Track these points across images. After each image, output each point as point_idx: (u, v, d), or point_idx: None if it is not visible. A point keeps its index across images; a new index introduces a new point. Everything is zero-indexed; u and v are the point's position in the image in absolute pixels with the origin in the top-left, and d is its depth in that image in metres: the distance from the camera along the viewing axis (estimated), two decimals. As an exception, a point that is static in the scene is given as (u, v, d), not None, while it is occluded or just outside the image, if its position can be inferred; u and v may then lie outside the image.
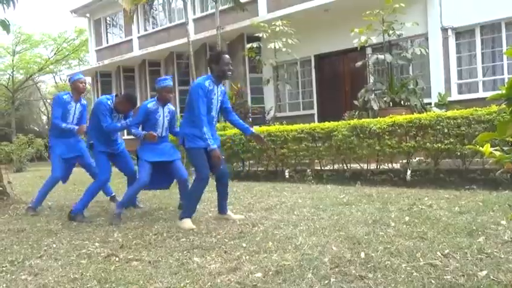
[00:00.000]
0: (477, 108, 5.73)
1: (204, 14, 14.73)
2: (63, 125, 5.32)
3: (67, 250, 3.54)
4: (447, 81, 9.43)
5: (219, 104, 4.32)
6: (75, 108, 5.46)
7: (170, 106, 4.99)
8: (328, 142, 6.87)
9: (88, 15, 19.11)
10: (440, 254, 2.83)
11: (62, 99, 5.42)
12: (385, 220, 3.88)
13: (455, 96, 9.32)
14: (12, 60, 23.73)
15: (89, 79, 20.19)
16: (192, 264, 2.97)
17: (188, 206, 4.29)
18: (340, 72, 11.63)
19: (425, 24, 9.51)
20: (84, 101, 5.65)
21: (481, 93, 9.01)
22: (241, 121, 4.56)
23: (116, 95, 5.14)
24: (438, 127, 5.83)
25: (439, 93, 9.07)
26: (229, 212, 4.47)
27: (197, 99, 4.09)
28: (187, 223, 4.12)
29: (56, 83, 28.57)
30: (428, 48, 9.14)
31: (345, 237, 3.37)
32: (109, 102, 4.97)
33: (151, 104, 4.80)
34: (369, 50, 10.12)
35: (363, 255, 2.91)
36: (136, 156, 4.84)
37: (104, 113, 4.86)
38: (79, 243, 3.74)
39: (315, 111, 11.77)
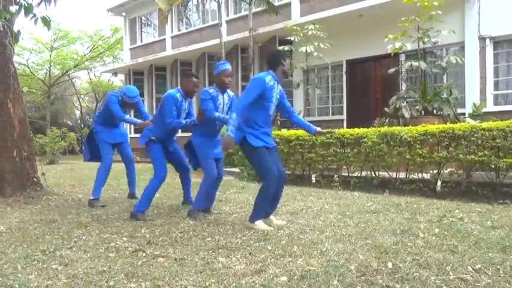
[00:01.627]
0: (514, 121, 5.56)
1: (237, 15, 14.83)
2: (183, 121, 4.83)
3: (96, 243, 3.62)
4: (482, 91, 9.17)
5: (277, 102, 4.18)
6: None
7: (230, 92, 4.74)
8: (357, 148, 6.79)
9: (124, 14, 19.53)
10: (471, 269, 2.75)
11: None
12: (413, 231, 3.80)
13: (490, 107, 9.06)
14: (50, 56, 24.45)
15: (122, 77, 20.66)
16: (217, 264, 2.98)
17: (260, 207, 4.05)
18: (372, 78, 11.48)
19: (462, 33, 9.29)
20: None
21: (518, 105, 8.74)
22: (304, 120, 4.51)
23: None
24: (472, 138, 5.68)
25: (474, 104, 8.83)
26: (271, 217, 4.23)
27: (249, 92, 3.97)
28: (261, 224, 3.99)
29: (90, 79, 29.26)
30: (464, 57, 8.92)
31: (371, 246, 3.32)
32: (178, 96, 4.76)
33: (212, 90, 4.57)
34: (402, 57, 9.96)
35: (390, 265, 2.85)
36: (187, 148, 4.88)
37: (170, 108, 4.67)
38: (108, 237, 3.82)
39: (344, 116, 11.66)
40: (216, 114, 4.47)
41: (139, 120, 5.43)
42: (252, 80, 4.09)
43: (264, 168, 4.01)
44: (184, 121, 4.76)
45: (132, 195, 6.08)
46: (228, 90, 4.70)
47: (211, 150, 4.64)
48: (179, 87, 4.88)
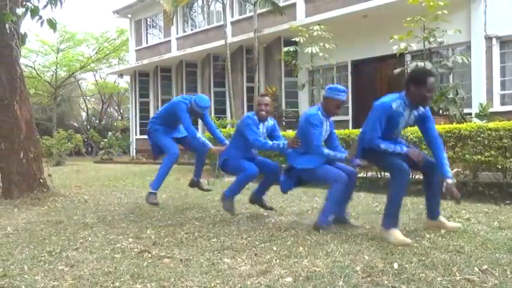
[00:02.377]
0: (521, 121, 5.52)
1: (242, 16, 14.85)
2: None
3: (102, 244, 3.64)
4: (489, 91, 9.12)
5: (402, 127, 3.76)
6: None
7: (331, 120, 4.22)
8: (363, 149, 6.75)
9: (129, 16, 19.62)
10: (478, 270, 2.73)
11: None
12: (419, 231, 3.78)
13: (497, 107, 9.01)
14: (56, 58, 24.58)
15: (127, 78, 20.74)
16: (223, 265, 2.99)
17: (393, 212, 3.62)
18: (377, 78, 11.46)
19: (468, 32, 9.25)
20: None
21: (525, 105, 8.68)
22: None
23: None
24: (479, 138, 5.64)
25: (480, 104, 8.78)
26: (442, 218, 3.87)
27: (373, 119, 3.63)
28: (396, 234, 3.46)
29: (96, 80, 29.39)
30: (470, 57, 8.88)
31: (377, 247, 3.31)
32: (255, 117, 4.52)
33: (319, 114, 4.02)
34: (407, 57, 9.93)
35: (396, 266, 2.84)
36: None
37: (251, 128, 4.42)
38: (113, 238, 3.83)
39: (349, 117, 11.63)
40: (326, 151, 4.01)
41: (210, 144, 5.07)
42: (375, 105, 3.69)
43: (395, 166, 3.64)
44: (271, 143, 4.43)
45: (195, 183, 5.58)
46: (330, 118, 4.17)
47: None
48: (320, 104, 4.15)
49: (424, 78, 3.52)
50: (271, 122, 4.68)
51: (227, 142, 5.09)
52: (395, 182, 3.63)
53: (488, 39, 9.10)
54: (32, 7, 6.02)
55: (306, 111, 4.20)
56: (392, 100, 3.62)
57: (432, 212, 3.89)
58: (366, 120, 3.80)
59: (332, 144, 4.26)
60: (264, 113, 4.49)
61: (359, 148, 3.89)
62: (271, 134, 4.70)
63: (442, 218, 3.89)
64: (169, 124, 5.29)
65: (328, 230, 3.82)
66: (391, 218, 3.58)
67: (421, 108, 3.69)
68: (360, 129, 4.01)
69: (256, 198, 4.86)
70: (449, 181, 3.60)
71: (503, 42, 9.10)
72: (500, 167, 5.59)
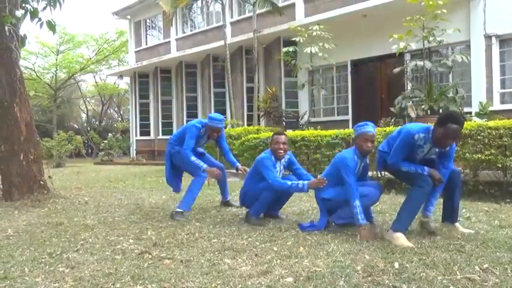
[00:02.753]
0: (521, 119, 5.52)
1: (241, 17, 14.85)
2: None
3: (102, 245, 3.64)
4: (489, 90, 9.12)
5: (421, 157, 3.68)
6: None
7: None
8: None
9: (129, 17, 19.63)
10: (478, 268, 2.73)
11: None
12: (420, 231, 3.78)
13: (497, 105, 9.00)
14: (56, 60, 24.63)
15: (127, 79, 20.75)
16: (223, 266, 2.99)
17: (407, 217, 3.57)
18: (377, 78, 11.45)
19: (467, 31, 9.24)
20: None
21: (525, 104, 8.68)
22: None
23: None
24: (479, 137, 5.64)
25: (480, 103, 8.77)
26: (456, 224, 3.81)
27: (398, 145, 3.63)
28: (402, 239, 3.40)
29: (95, 82, 29.43)
30: (470, 56, 8.87)
31: (378, 246, 3.31)
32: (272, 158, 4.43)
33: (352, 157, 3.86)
34: (407, 57, 9.93)
35: (396, 265, 2.84)
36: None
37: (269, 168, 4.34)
38: (114, 239, 3.83)
39: (349, 117, 11.63)
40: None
41: (204, 166, 4.94)
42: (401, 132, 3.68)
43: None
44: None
45: (225, 203, 5.57)
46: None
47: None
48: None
49: (446, 122, 3.36)
50: (287, 157, 4.59)
51: (239, 165, 5.21)
52: (418, 188, 3.57)
53: (488, 37, 9.10)
54: (31, 9, 6.04)
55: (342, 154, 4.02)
56: (417, 131, 3.56)
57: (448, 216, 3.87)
58: (388, 139, 3.87)
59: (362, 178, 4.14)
60: (281, 152, 4.40)
61: (380, 162, 3.89)
62: (290, 168, 4.64)
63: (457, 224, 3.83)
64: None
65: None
66: (403, 222, 3.54)
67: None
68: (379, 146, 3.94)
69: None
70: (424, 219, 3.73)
71: (503, 40, 9.10)
72: (500, 165, 5.59)
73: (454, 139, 3.49)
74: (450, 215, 3.82)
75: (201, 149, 5.43)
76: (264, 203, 4.43)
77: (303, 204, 5.36)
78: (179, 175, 5.41)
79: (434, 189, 3.68)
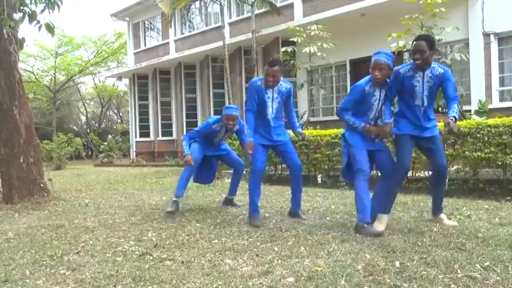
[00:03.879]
0: (520, 117, 5.53)
1: (240, 17, 14.86)
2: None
3: (103, 247, 3.64)
4: (488, 88, 9.12)
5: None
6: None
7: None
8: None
9: (127, 18, 19.62)
10: (479, 267, 2.73)
11: None
12: (420, 229, 3.78)
13: (496, 103, 9.01)
14: (55, 62, 24.61)
15: (126, 81, 20.75)
16: (224, 266, 2.99)
17: (388, 201, 3.95)
18: (376, 77, 11.44)
19: (466, 30, 9.25)
20: None
21: (524, 101, 8.68)
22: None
23: None
24: (478, 135, 5.65)
25: (480, 101, 8.78)
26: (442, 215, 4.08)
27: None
28: (379, 225, 3.79)
29: (95, 84, 29.43)
30: (468, 54, 8.88)
31: (378, 245, 3.31)
32: None
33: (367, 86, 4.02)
34: (406, 55, 9.93)
35: (397, 264, 2.84)
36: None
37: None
38: (115, 241, 3.83)
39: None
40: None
41: (186, 152, 5.10)
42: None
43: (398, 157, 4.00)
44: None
45: (228, 201, 5.59)
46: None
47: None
48: None
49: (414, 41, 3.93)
50: (287, 86, 4.61)
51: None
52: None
53: (486, 35, 9.11)
54: (30, 12, 6.03)
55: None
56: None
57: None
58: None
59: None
60: (271, 82, 4.41)
61: None
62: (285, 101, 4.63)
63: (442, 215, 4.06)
64: (205, 140, 5.36)
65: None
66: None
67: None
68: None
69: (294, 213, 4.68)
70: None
71: (501, 38, 9.11)
72: (500, 163, 5.60)
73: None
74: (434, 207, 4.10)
75: (225, 145, 5.57)
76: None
77: (303, 204, 5.35)
78: (207, 168, 5.55)
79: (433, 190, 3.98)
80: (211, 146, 5.39)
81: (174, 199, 5.06)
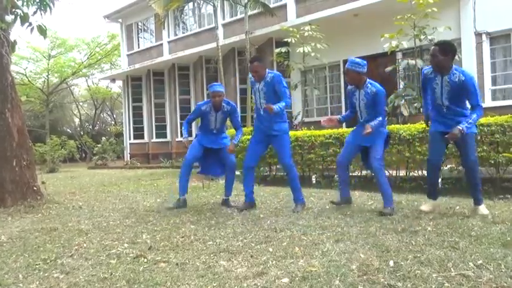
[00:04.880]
0: (512, 115, 5.57)
1: (233, 19, 14.86)
2: None
3: (97, 250, 3.62)
4: (480, 87, 9.13)
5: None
6: None
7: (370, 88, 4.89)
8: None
9: (120, 20, 19.56)
10: (472, 265, 2.75)
11: None
12: (414, 228, 3.80)
13: (488, 102, 9.06)
14: (48, 64, 24.47)
15: (120, 83, 20.69)
16: (219, 268, 2.98)
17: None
18: (369, 77, 11.47)
19: (458, 29, 9.31)
20: None
21: (516, 100, 8.75)
22: None
23: None
24: (471, 134, 5.67)
25: (472, 100, 8.82)
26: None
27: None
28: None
29: (88, 86, 29.30)
30: (461, 54, 8.93)
31: (373, 245, 3.32)
32: None
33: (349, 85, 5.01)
34: (399, 55, 9.97)
35: (391, 263, 2.85)
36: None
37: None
38: (109, 244, 3.81)
39: (343, 116, 11.64)
40: None
41: (184, 137, 5.59)
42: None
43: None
44: None
45: (224, 202, 5.65)
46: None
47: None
48: None
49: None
50: (270, 75, 5.05)
51: (232, 142, 5.53)
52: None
53: (478, 35, 9.16)
54: (22, 14, 6.00)
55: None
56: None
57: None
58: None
59: None
60: (255, 77, 5.01)
61: None
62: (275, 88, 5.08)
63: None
64: (204, 130, 5.65)
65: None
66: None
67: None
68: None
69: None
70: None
71: (493, 38, 9.17)
72: (492, 162, 5.63)
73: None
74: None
75: (225, 139, 5.69)
76: None
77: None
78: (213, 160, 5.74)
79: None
80: (210, 136, 5.58)
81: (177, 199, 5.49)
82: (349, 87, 4.85)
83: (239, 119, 5.84)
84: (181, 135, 5.67)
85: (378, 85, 4.75)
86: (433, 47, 4.27)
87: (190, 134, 5.97)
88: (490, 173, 5.83)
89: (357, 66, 4.78)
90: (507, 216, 4.09)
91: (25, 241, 4.09)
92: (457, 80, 4.18)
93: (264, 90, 5.01)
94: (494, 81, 9.24)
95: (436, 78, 4.29)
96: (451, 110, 4.29)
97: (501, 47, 9.16)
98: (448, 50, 4.20)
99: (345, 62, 11.62)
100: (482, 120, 5.78)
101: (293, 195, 5.15)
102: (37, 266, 3.23)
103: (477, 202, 4.39)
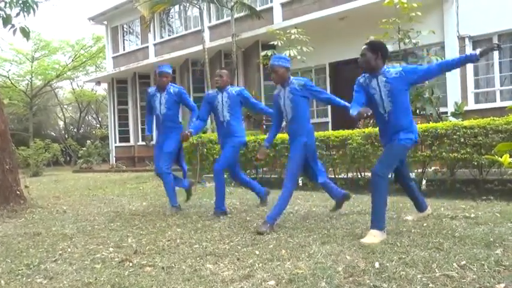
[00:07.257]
0: (494, 118, 5.65)
1: (220, 21, 14.85)
2: None
3: (82, 254, 3.57)
4: (464, 90, 9.32)
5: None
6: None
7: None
8: (342, 150, 6.83)
9: (105, 22, 19.40)
10: (456, 266, 2.78)
11: None
12: (399, 230, 3.83)
13: (472, 105, 9.21)
14: (31, 67, 24.15)
15: (105, 85, 20.50)
16: (205, 271, 2.97)
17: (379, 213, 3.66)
18: (355, 80, 11.57)
19: (441, 33, 9.44)
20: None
21: (498, 103, 8.91)
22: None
23: None
24: (454, 136, 5.76)
25: (456, 103, 8.97)
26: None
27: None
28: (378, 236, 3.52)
29: (73, 89, 28.97)
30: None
31: (359, 247, 3.34)
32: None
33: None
34: (384, 59, 10.06)
35: (377, 265, 2.87)
36: None
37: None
38: (93, 248, 3.77)
39: (329, 119, 11.73)
40: None
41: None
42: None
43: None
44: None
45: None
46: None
47: None
48: None
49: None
50: (237, 89, 5.39)
51: (189, 131, 5.35)
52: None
53: (461, 39, 9.31)
54: (4, 15, 5.91)
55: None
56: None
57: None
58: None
59: None
60: (217, 83, 5.24)
61: None
62: (245, 103, 5.41)
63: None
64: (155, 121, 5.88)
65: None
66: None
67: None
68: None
69: None
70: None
71: (476, 41, 9.32)
72: (476, 163, 5.71)
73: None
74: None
75: (174, 123, 5.74)
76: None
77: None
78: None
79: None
80: (160, 127, 5.72)
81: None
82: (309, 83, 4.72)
83: (190, 100, 5.91)
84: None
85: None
86: (363, 47, 4.06)
87: (151, 131, 6.15)
88: (474, 175, 5.92)
89: (284, 62, 4.46)
90: (490, 217, 4.15)
91: (8, 246, 4.02)
92: (393, 75, 3.91)
93: (228, 102, 5.23)
94: (477, 85, 9.39)
95: (372, 83, 4.07)
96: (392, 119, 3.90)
97: (483, 51, 9.30)
98: (377, 48, 3.97)
99: (331, 65, 11.74)
100: (466, 122, 5.87)
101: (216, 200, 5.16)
102: (20, 271, 3.17)
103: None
